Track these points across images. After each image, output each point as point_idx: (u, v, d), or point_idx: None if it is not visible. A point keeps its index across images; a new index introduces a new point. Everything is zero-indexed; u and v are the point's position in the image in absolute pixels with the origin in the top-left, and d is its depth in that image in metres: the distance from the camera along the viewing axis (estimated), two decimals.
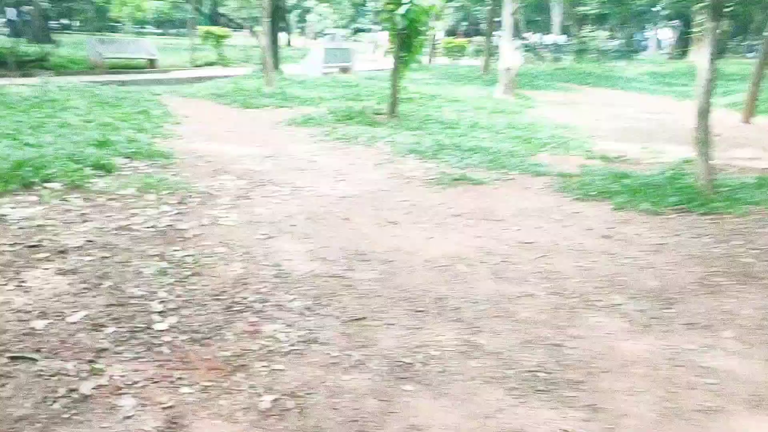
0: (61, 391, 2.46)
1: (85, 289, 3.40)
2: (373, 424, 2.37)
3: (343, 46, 24.04)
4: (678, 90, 19.86)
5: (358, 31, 52.52)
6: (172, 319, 3.12)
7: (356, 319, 3.22)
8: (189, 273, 3.70)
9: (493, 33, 22.34)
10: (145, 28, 47.22)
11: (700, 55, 5.89)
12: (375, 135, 8.74)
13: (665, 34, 57.66)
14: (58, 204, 4.80)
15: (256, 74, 15.85)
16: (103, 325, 3.01)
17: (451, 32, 41.74)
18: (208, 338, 2.96)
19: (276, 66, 15.62)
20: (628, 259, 4.25)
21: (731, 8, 27.40)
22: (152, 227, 4.48)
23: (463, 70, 22.70)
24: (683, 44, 40.76)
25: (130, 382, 2.55)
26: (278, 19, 18.49)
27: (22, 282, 3.43)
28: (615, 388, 2.67)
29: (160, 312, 3.18)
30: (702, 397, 2.63)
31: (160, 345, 2.87)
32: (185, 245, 4.16)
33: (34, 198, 4.90)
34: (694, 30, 31.98)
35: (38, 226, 4.28)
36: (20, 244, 3.94)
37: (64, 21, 42.25)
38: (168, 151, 6.93)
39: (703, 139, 5.76)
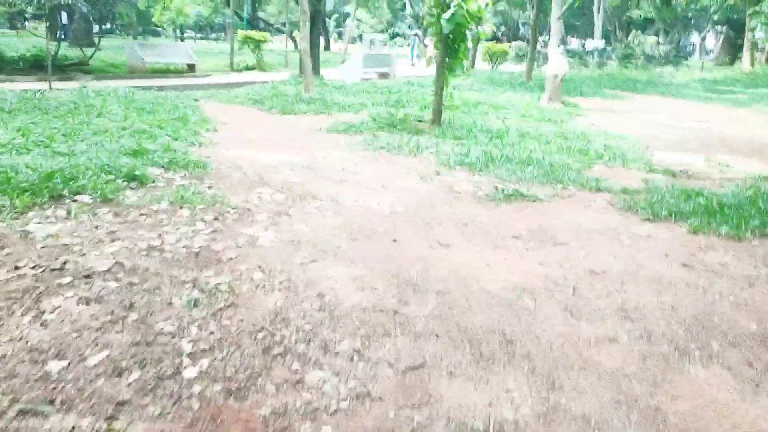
0: None
1: (109, 322, 3.04)
2: None
3: (382, 51, 23.69)
4: (730, 98, 19.04)
5: (396, 35, 52.28)
6: (204, 363, 2.73)
7: (413, 368, 2.79)
8: (224, 304, 3.31)
9: (538, 38, 21.72)
10: (185, 32, 47.77)
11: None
12: (419, 144, 8.31)
13: (710, 40, 56.11)
14: (87, 219, 4.48)
15: (294, 79, 15.59)
16: (126, 369, 2.64)
17: (492, 37, 41.12)
18: (244, 389, 2.56)
19: (315, 71, 15.33)
20: (717, 295, 3.72)
21: None
22: (185, 248, 4.12)
23: (506, 75, 22.11)
24: (731, 50, 39.46)
25: None
26: (318, 24, 18.21)
27: (41, 313, 3.08)
28: None
29: (190, 354, 2.79)
30: None
31: (189, 397, 2.48)
32: (220, 269, 3.79)
33: (63, 212, 4.59)
34: (744, 36, 30.82)
35: (63, 245, 3.96)
36: (43, 266, 3.61)
37: (107, 26, 42.84)
38: (204, 160, 6.60)
39: None
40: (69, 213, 4.57)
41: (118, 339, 2.88)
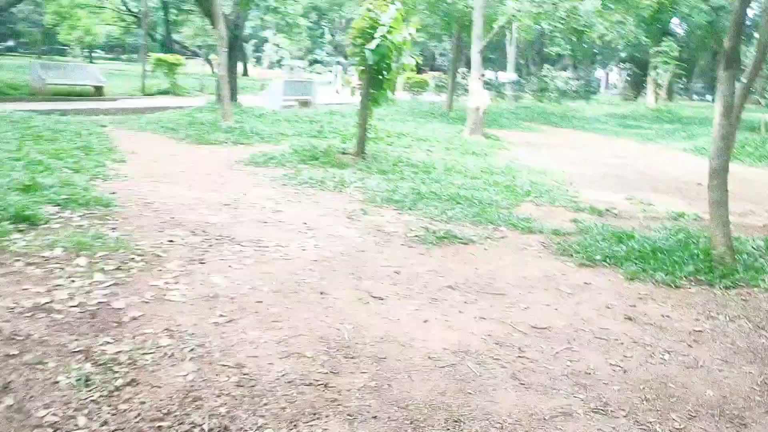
0: None
1: None
2: None
3: (303, 78, 23.36)
4: (640, 133, 19.85)
5: (315, 62, 52.09)
6: None
7: None
8: (122, 381, 2.79)
9: (457, 69, 22.00)
10: (95, 52, 45.71)
11: (715, 109, 5.31)
12: (344, 179, 7.95)
13: (613, 76, 59.11)
14: None
15: (211, 106, 14.93)
16: None
17: (418, 69, 41.53)
18: None
19: (233, 98, 14.74)
20: (667, 354, 3.52)
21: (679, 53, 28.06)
22: (79, 306, 3.56)
23: (427, 106, 22.22)
24: (635, 86, 41.64)
25: None
26: (236, 49, 17.65)
27: None
28: None
29: None
30: None
31: None
32: (120, 334, 3.25)
33: None
34: (647, 73, 32.54)
35: None
36: None
37: (8, 43, 40.51)
38: (109, 197, 5.98)
39: (720, 200, 5.16)
40: None
41: None
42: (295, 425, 2.59)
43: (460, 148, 12.07)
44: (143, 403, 2.65)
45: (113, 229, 5.09)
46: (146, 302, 3.71)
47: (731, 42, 4.94)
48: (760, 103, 20.94)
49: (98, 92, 17.89)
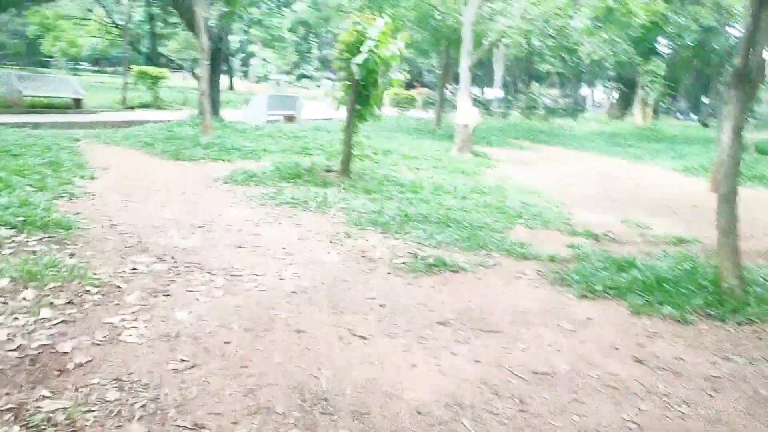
0: None
1: None
2: None
3: (288, 93, 22.98)
4: (629, 152, 19.59)
5: (302, 77, 51.89)
6: None
7: None
8: None
9: (446, 86, 21.75)
10: (80, 65, 45.09)
11: (722, 130, 4.97)
12: (327, 198, 7.54)
13: (599, 94, 59.36)
14: None
15: (193, 119, 14.47)
16: None
17: (409, 84, 41.35)
18: None
19: (215, 112, 14.31)
20: (685, 407, 3.12)
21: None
22: (18, 350, 3.11)
23: (414, 122, 21.92)
24: (623, 104, 41.72)
25: None
26: (220, 62, 17.25)
27: None
28: None
29: None
30: None
31: None
32: (61, 386, 2.81)
33: None
34: (635, 91, 32.55)
35: None
36: None
37: None
38: (70, 218, 5.53)
39: (729, 228, 4.81)
40: None
41: None
42: None
43: (448, 166, 11.70)
44: None
45: (71, 255, 4.64)
46: (97, 344, 3.27)
47: (743, 60, 4.61)
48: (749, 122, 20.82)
49: (77, 105, 17.39)
